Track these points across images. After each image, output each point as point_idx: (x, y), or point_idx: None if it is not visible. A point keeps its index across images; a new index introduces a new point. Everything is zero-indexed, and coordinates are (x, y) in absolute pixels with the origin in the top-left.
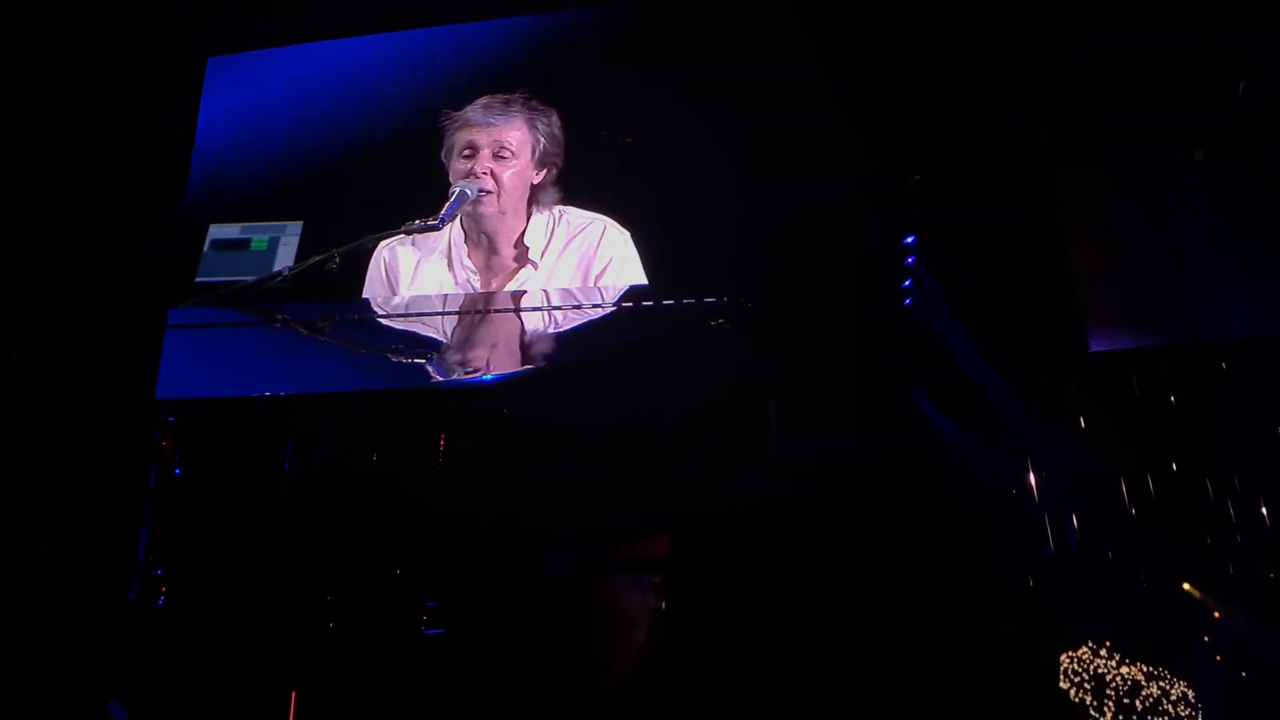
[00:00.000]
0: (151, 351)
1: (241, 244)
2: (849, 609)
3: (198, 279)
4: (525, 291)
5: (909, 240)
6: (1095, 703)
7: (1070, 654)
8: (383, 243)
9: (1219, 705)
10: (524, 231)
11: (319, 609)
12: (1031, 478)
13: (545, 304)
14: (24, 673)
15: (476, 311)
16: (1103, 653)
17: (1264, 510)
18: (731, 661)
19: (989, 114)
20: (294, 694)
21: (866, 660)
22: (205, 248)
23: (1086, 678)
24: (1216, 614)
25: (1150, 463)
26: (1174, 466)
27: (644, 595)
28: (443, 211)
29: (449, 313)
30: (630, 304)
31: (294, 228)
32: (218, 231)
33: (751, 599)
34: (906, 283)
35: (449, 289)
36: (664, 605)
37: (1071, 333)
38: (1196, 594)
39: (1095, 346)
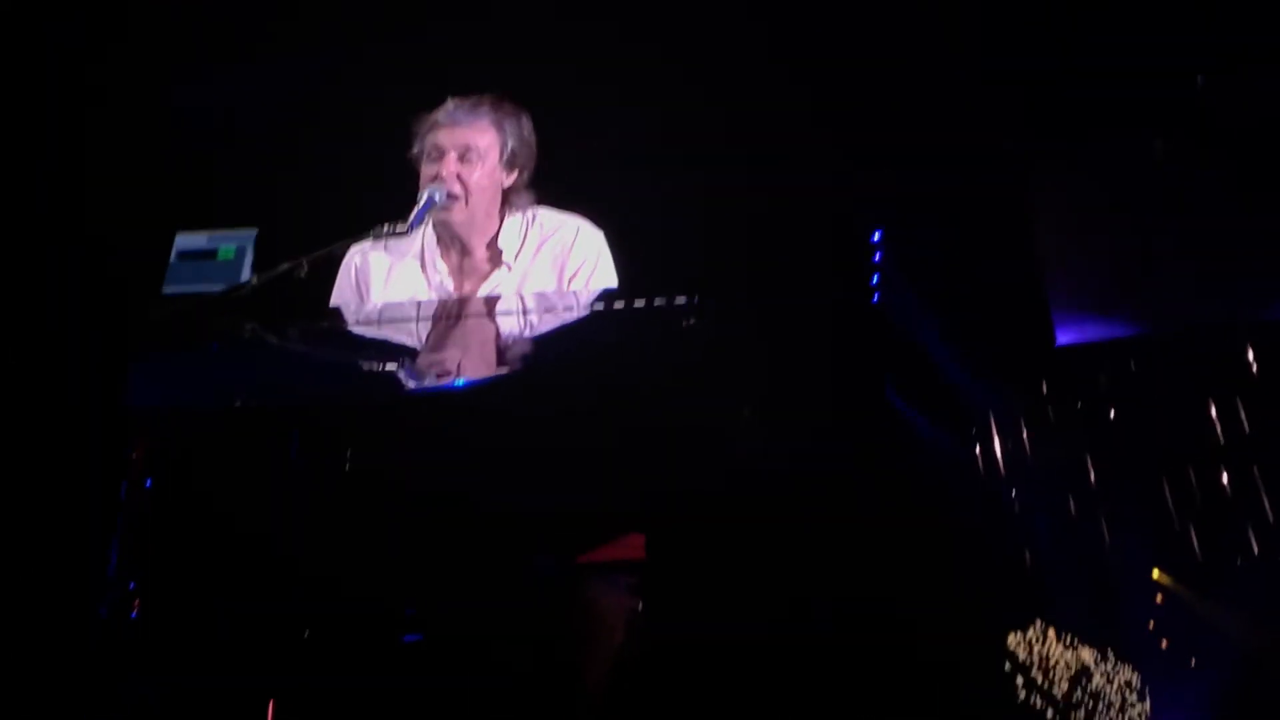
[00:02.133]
0: (119, 364)
1: (209, 254)
2: (825, 605)
3: (164, 289)
4: (497, 297)
5: (876, 236)
6: (1045, 685)
7: (1018, 635)
8: (353, 248)
9: (1169, 690)
10: (497, 234)
11: (295, 618)
12: (1000, 469)
13: (515, 308)
14: None
15: (445, 318)
16: (1051, 634)
17: (1229, 494)
18: (709, 661)
19: (957, 110)
20: (271, 703)
21: (842, 654)
22: (171, 258)
23: (1035, 660)
24: (1186, 601)
25: (1116, 452)
26: (1143, 454)
27: (620, 596)
28: (411, 217)
29: (415, 319)
30: (600, 306)
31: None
32: (184, 241)
33: (728, 598)
34: (875, 279)
35: (422, 292)
36: (640, 606)
37: (1039, 327)
38: (1166, 580)
39: (1062, 340)
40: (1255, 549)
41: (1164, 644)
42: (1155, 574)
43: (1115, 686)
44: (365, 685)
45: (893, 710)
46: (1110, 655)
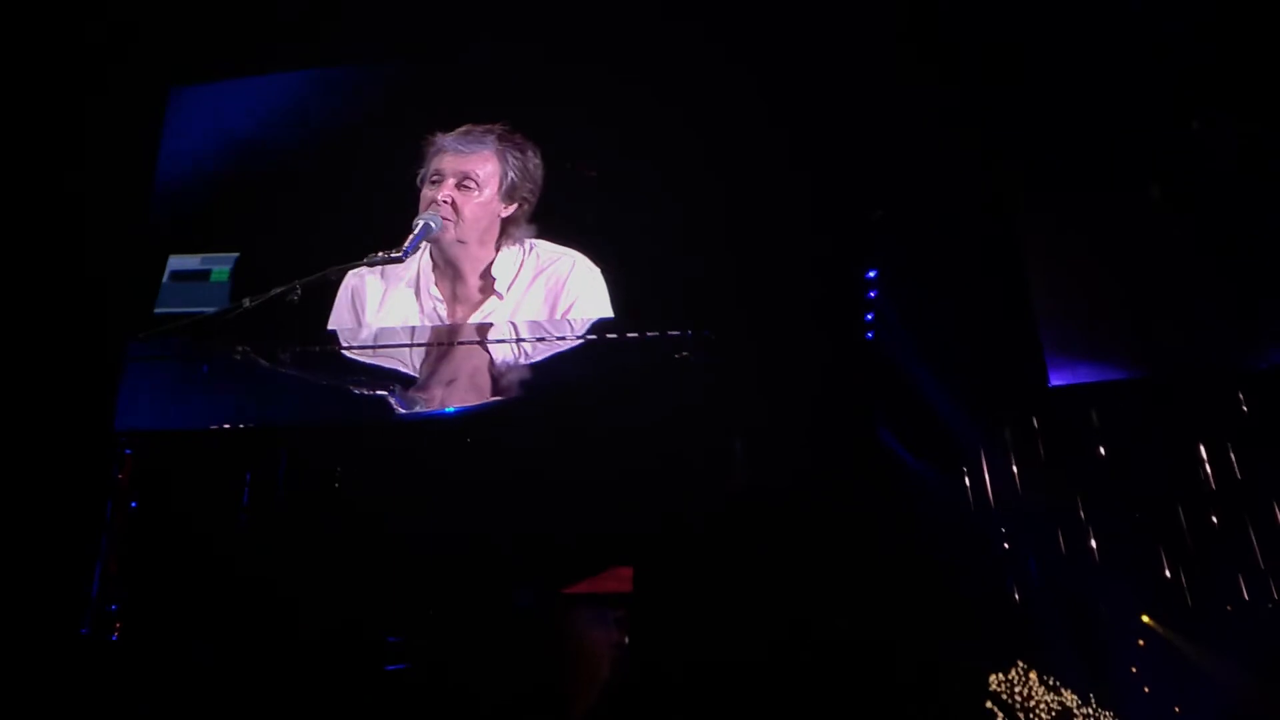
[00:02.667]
0: (109, 385)
1: (201, 275)
2: (810, 639)
3: (157, 310)
4: (490, 324)
5: (871, 274)
6: None
7: (999, 675)
8: (351, 272)
9: None
10: (492, 263)
11: (278, 644)
12: (989, 508)
13: (510, 336)
14: None
15: (439, 344)
16: (1034, 676)
17: (1220, 539)
18: (694, 695)
19: (953, 150)
20: None
21: (825, 688)
22: (165, 279)
23: (1017, 701)
24: (1174, 646)
25: (1109, 495)
26: (1132, 498)
27: (607, 628)
28: (406, 244)
29: (408, 345)
30: (595, 336)
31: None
32: (177, 263)
33: (715, 631)
34: (869, 316)
35: (415, 318)
36: (627, 639)
37: (1033, 366)
38: (1156, 627)
39: (1055, 381)
40: (1245, 594)
41: (1146, 690)
42: (1145, 618)
43: None
44: (349, 713)
45: None
46: (1092, 700)
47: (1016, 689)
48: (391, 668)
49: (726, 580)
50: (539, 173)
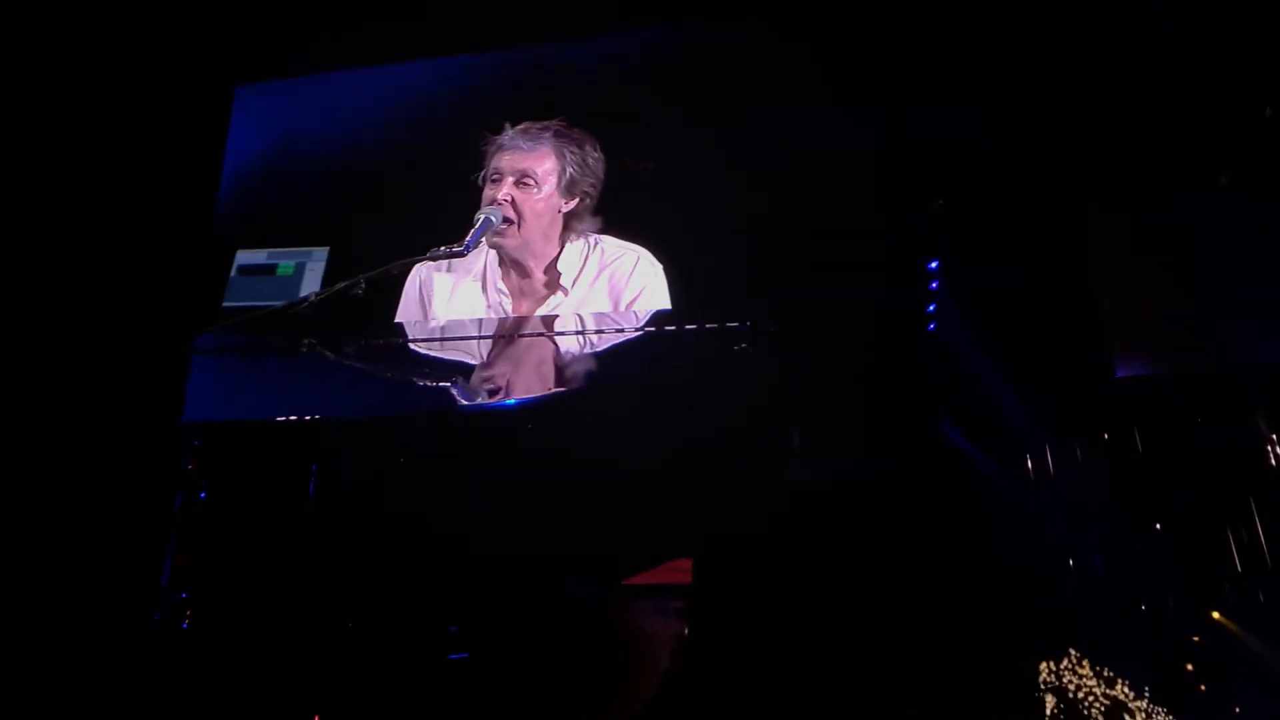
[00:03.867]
0: (178, 376)
1: (268, 269)
2: (869, 631)
3: (225, 304)
4: (554, 316)
5: (933, 265)
6: (1069, 718)
7: (1050, 664)
8: (418, 266)
9: None
10: (557, 258)
11: (343, 634)
12: (1052, 501)
13: (570, 328)
14: (52, 695)
15: (501, 336)
16: (1086, 667)
17: None
18: (753, 687)
19: (1017, 140)
20: (317, 719)
21: (883, 678)
22: (232, 273)
23: (1069, 691)
24: (1244, 645)
25: (1178, 489)
26: (1202, 493)
27: (667, 620)
28: (467, 238)
29: (472, 337)
30: (653, 328)
31: (320, 253)
32: (245, 257)
33: (774, 624)
34: (930, 307)
35: (481, 311)
36: (686, 630)
37: (1098, 358)
38: (1229, 625)
39: (1121, 372)
40: None
41: (1203, 689)
42: (1215, 615)
43: None
44: (409, 702)
45: None
46: (1147, 694)
47: (1066, 679)
48: (454, 656)
49: (785, 572)
50: (599, 166)
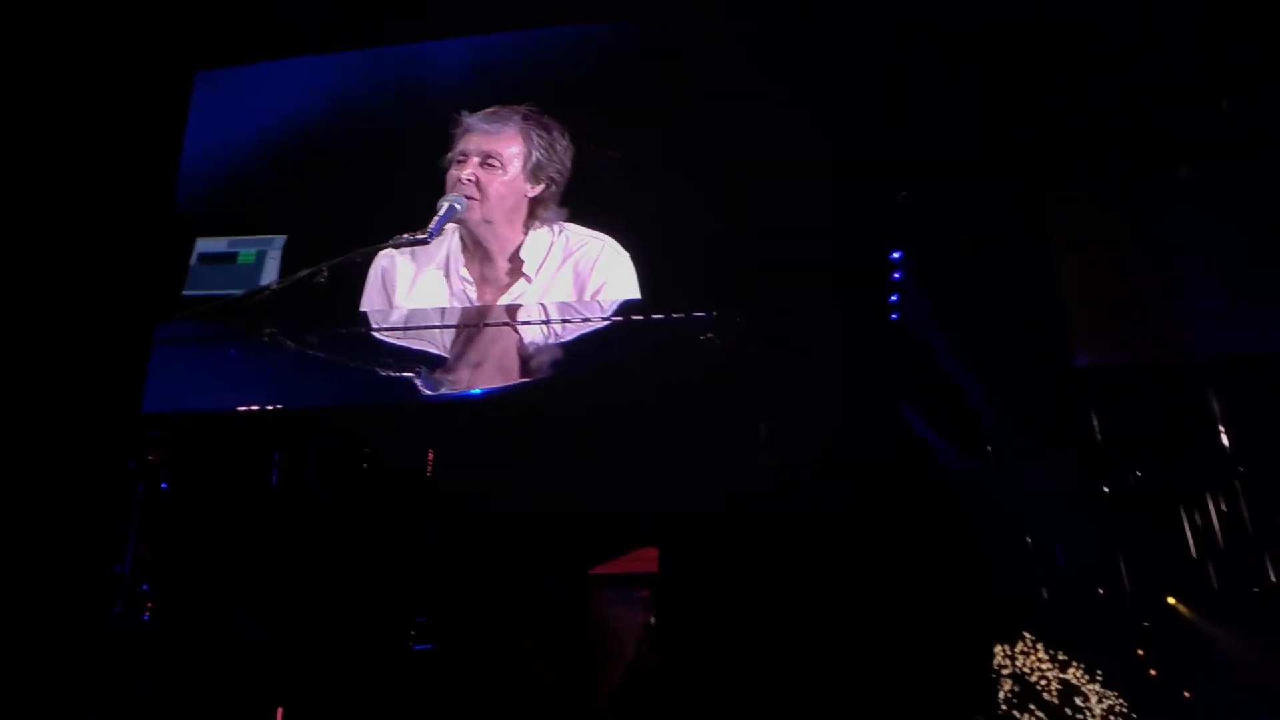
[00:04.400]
0: (138, 367)
1: (229, 257)
2: (832, 619)
3: (185, 293)
4: (518, 306)
5: (896, 256)
6: (1032, 700)
7: (1006, 649)
8: (381, 254)
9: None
10: (521, 245)
11: (306, 623)
12: (1013, 489)
13: (535, 318)
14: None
15: (467, 325)
16: (1041, 650)
17: (1249, 526)
18: (719, 673)
19: (979, 130)
20: (280, 710)
21: (846, 663)
22: (192, 261)
23: (1024, 673)
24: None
25: (1136, 476)
26: (1158, 481)
27: (632, 608)
28: (431, 225)
29: (436, 326)
30: (620, 319)
31: (282, 241)
32: (205, 245)
33: (741, 611)
34: (894, 297)
35: (445, 300)
36: (652, 619)
37: (1059, 347)
38: (1183, 609)
39: (1081, 362)
40: (1272, 577)
41: (1153, 673)
42: (1170, 600)
43: (1103, 709)
44: (376, 693)
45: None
46: (1099, 677)
47: (1021, 662)
48: (419, 647)
49: (750, 560)
50: (567, 154)
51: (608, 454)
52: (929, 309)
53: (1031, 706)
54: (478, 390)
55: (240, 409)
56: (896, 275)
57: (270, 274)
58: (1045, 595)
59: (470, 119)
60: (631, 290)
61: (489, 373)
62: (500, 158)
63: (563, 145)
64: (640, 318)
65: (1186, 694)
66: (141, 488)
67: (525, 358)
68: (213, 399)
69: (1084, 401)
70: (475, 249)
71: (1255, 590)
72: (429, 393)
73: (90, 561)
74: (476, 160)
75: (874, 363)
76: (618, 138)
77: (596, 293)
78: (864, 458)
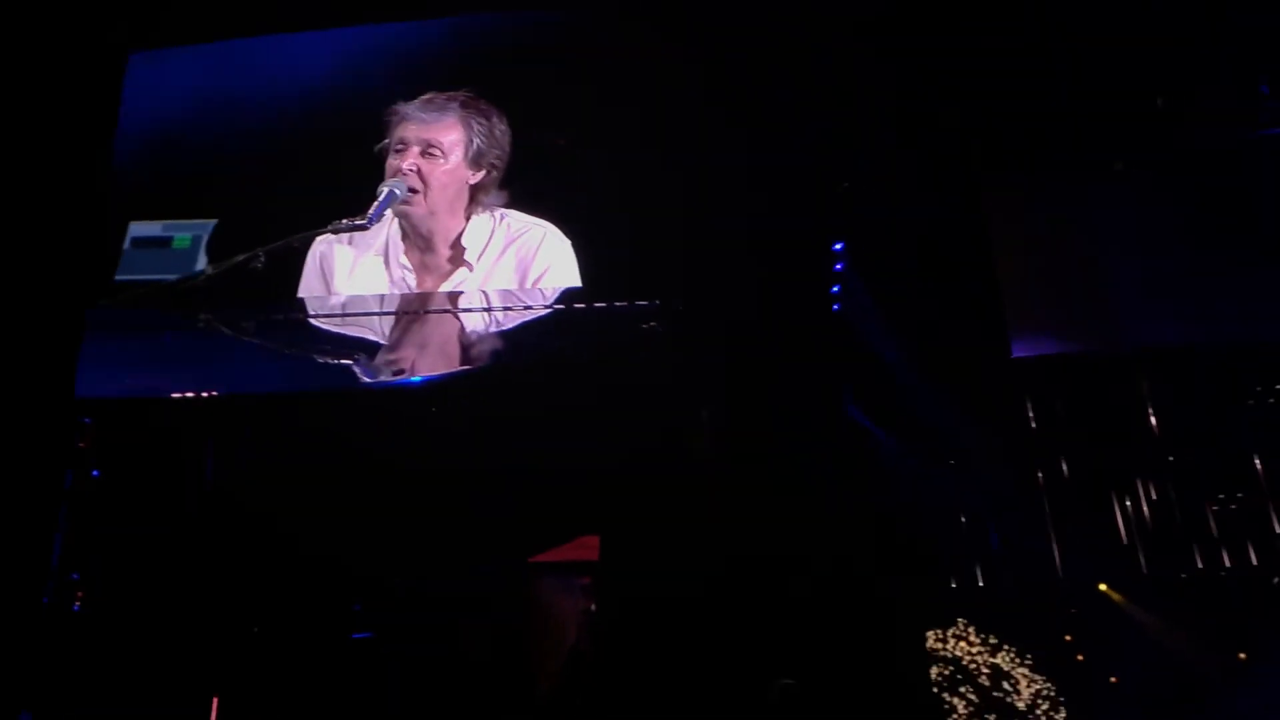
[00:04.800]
0: (69, 352)
1: (163, 242)
2: (771, 605)
3: (117, 277)
4: (458, 293)
5: (838, 247)
6: (964, 683)
7: (939, 634)
8: (319, 239)
9: (1089, 703)
10: (462, 232)
11: (241, 614)
12: (951, 477)
13: (477, 305)
14: None
15: (405, 312)
16: (973, 635)
17: (1178, 512)
18: (662, 662)
19: (919, 124)
20: (215, 700)
21: (793, 659)
22: (125, 245)
23: (956, 658)
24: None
25: (1069, 464)
26: (1091, 468)
27: (574, 597)
28: (371, 211)
29: (376, 314)
30: (563, 306)
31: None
32: (139, 229)
33: (681, 599)
34: (835, 288)
35: (384, 286)
36: (594, 606)
37: (996, 338)
38: (1114, 595)
39: (1018, 352)
40: (1200, 564)
41: (1080, 658)
42: (1102, 587)
43: (1033, 692)
44: (313, 682)
45: (819, 698)
46: (1028, 661)
47: (953, 646)
48: (357, 636)
49: (692, 548)
50: (506, 139)
51: (548, 442)
52: (869, 300)
53: (962, 690)
54: (418, 378)
55: (174, 395)
56: (839, 266)
57: (206, 259)
58: (979, 580)
59: (406, 107)
60: (573, 276)
61: (430, 360)
62: (441, 146)
63: (501, 130)
64: (583, 306)
65: (1113, 679)
66: (71, 475)
67: (466, 345)
68: (146, 385)
69: (1019, 390)
70: (415, 237)
71: (1183, 576)
72: (368, 380)
73: (18, 551)
74: (417, 149)
75: (815, 352)
76: (558, 123)
77: (539, 279)
78: (804, 446)
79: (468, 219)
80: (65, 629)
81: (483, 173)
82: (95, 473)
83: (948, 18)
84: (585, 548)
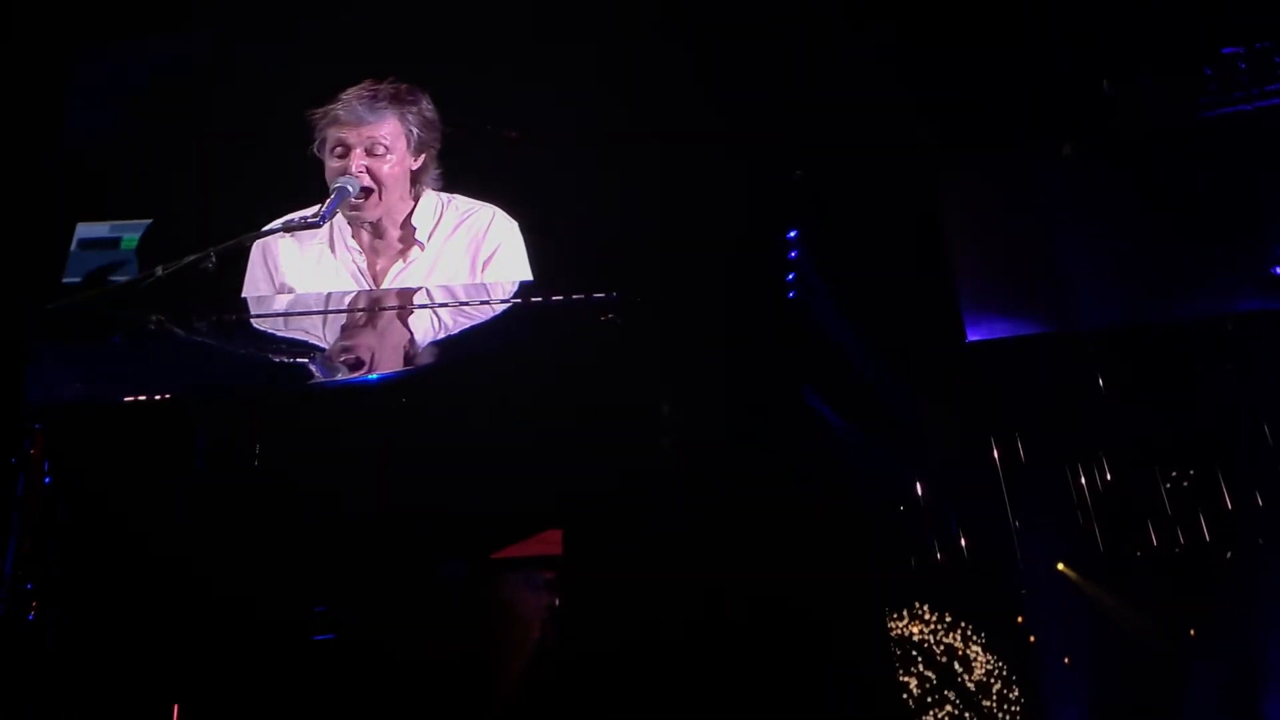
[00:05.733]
0: (17, 357)
1: (111, 243)
2: (737, 598)
3: (65, 279)
4: (412, 290)
5: (792, 235)
6: (922, 664)
7: (898, 615)
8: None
9: (1044, 682)
10: (410, 213)
11: (200, 618)
12: (908, 462)
13: (432, 302)
14: None
15: (360, 310)
16: (931, 617)
17: (1130, 490)
18: (626, 656)
19: (871, 111)
20: (176, 707)
21: (755, 647)
22: (72, 247)
23: (914, 640)
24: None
25: (1025, 446)
26: (1049, 450)
27: (537, 593)
28: (323, 209)
29: (330, 311)
30: (519, 300)
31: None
32: (86, 230)
33: (644, 592)
34: (790, 276)
35: (331, 270)
36: (557, 602)
37: (951, 322)
38: (1071, 574)
39: (973, 336)
40: (1154, 541)
41: (1032, 640)
42: (1060, 567)
43: (984, 672)
44: (275, 686)
45: (782, 684)
46: (983, 639)
47: (909, 625)
48: (319, 637)
49: (654, 542)
50: (436, 117)
51: (507, 436)
52: (824, 287)
53: (916, 670)
54: (374, 376)
55: (126, 399)
56: (793, 254)
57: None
58: (937, 559)
59: (337, 108)
60: (523, 257)
61: (386, 358)
62: (385, 142)
63: (430, 110)
64: (539, 299)
65: (1066, 659)
66: (22, 482)
67: (422, 341)
68: (96, 389)
69: (974, 373)
70: (364, 223)
71: (1138, 554)
72: (324, 379)
73: None
74: (361, 149)
75: (772, 340)
76: (510, 114)
77: (491, 257)
78: (763, 433)
79: (415, 200)
80: (20, 638)
81: (423, 157)
82: (47, 479)
83: (899, 2)
84: (548, 543)
